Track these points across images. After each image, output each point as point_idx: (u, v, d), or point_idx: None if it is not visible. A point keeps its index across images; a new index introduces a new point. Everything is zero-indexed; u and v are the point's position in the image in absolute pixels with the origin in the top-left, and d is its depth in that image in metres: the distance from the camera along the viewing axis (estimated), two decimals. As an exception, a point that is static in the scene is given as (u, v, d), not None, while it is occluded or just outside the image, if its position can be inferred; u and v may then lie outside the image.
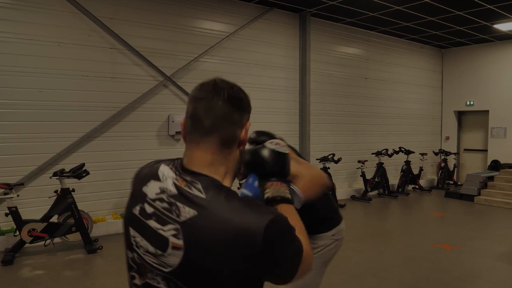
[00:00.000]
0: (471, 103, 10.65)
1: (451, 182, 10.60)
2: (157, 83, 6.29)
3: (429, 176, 10.92)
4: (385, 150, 9.16)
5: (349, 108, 9.08)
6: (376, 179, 9.01)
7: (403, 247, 5.42)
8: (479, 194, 8.62)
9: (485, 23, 8.35)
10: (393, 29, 9.09)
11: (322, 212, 2.26)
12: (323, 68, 8.57)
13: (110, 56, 5.89)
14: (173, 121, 6.38)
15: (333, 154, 8.17)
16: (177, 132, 6.40)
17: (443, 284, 3.98)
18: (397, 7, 7.44)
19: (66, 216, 5.06)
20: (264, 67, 7.62)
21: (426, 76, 10.89)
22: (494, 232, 6.48)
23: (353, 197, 8.89)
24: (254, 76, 7.47)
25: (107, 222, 5.83)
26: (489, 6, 7.24)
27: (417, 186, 9.89)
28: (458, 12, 7.67)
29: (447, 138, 11.19)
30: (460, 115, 11.21)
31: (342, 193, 8.64)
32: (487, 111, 10.38)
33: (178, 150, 6.55)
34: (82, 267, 4.57)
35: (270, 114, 7.68)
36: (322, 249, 2.24)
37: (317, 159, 8.11)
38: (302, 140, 8.19)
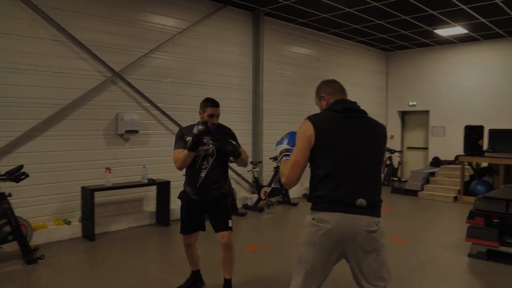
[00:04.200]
0: (414, 103, 11.16)
1: (396, 179, 11.04)
2: (104, 79, 5.93)
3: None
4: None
5: (301, 108, 9.13)
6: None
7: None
8: (422, 189, 9.05)
9: (427, 28, 8.75)
10: (342, 31, 9.27)
11: (311, 187, 2.30)
12: (276, 67, 8.57)
13: (53, 49, 5.46)
14: (122, 120, 6.05)
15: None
16: (127, 131, 6.08)
17: (398, 276, 4.07)
18: (348, 10, 7.58)
19: (2, 224, 4.59)
20: (217, 65, 7.46)
21: (373, 77, 11.26)
22: (439, 224, 6.80)
23: (305, 195, 8.97)
24: (207, 74, 7.30)
25: (49, 229, 5.37)
26: (432, 12, 7.57)
27: (396, 179, 10.27)
28: (404, 17, 7.96)
29: (392, 137, 11.63)
30: (403, 115, 11.70)
31: (294, 191, 8.67)
32: (428, 111, 10.93)
33: (127, 150, 6.24)
34: (21, 280, 4.17)
35: (223, 113, 7.45)
36: (305, 225, 2.29)
37: (270, 158, 8.10)
38: (255, 139, 8.13)
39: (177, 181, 6.68)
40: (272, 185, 7.69)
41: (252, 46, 8.07)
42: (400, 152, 11.35)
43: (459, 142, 9.41)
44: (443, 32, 9.04)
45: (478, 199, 4.84)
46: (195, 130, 3.19)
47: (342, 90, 2.44)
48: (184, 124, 6.89)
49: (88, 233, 5.48)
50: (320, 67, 9.59)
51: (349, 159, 2.18)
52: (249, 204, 7.71)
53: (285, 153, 2.43)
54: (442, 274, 4.41)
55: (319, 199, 2.22)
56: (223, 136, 3.46)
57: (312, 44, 9.37)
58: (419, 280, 4.22)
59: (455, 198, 8.53)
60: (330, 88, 2.44)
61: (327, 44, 9.73)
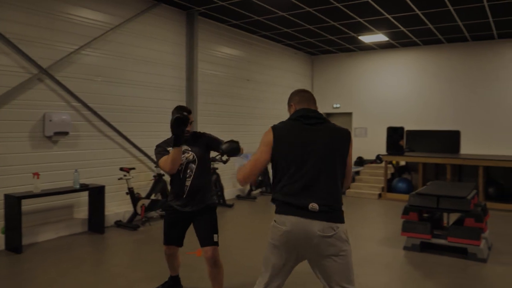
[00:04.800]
0: (338, 106, 11.76)
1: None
2: (30, 76, 5.41)
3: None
4: (267, 150, 9.50)
5: (233, 109, 9.18)
6: (259, 178, 9.30)
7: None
8: (349, 188, 9.55)
9: (353, 34, 9.27)
10: (273, 33, 9.47)
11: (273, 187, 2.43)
12: (210, 68, 8.49)
13: (-32, 41, 4.86)
14: (50, 120, 5.56)
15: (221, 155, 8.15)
16: (56, 133, 5.61)
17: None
18: (282, 13, 7.76)
19: None
20: (151, 64, 7.19)
21: (299, 80, 11.64)
22: (370, 220, 7.23)
23: (238, 197, 9.01)
24: (140, 73, 7.00)
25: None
26: (360, 20, 8.04)
27: None
28: (333, 23, 8.35)
29: (317, 137, 12.12)
30: (328, 116, 12.26)
31: (228, 193, 8.68)
32: (351, 113, 11.58)
33: (56, 153, 5.76)
34: None
35: (157, 114, 7.30)
36: (270, 228, 2.38)
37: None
38: (190, 140, 7.97)
39: (112, 185, 6.39)
40: (152, 197, 6.77)
41: (185, 45, 7.91)
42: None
43: (381, 142, 10.13)
44: (366, 38, 9.64)
45: (411, 195, 5.24)
46: (171, 120, 3.03)
47: (309, 99, 2.54)
48: (118, 126, 6.57)
49: (14, 245, 4.96)
50: (250, 68, 9.69)
51: (303, 164, 2.27)
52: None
53: (240, 162, 2.66)
54: (381, 267, 4.70)
55: (277, 202, 2.34)
56: (202, 143, 3.42)
57: (244, 46, 9.45)
58: (362, 274, 4.45)
59: (380, 195, 9.15)
60: (299, 97, 2.55)
61: (257, 46, 9.87)
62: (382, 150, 9.82)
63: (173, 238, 3.53)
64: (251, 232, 6.30)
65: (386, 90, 10.89)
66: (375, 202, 8.70)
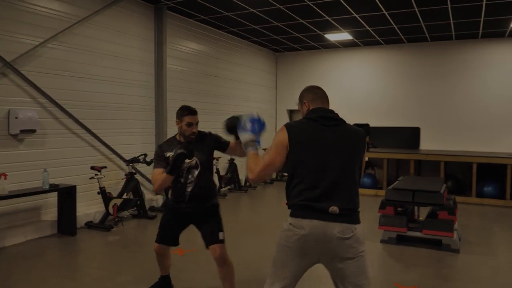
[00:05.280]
0: (302, 103, 11.91)
1: (285, 174, 11.63)
2: (-7, 70, 5.05)
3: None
4: (236, 147, 9.48)
5: (202, 106, 9.03)
6: (228, 175, 9.25)
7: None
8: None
9: (319, 32, 9.42)
10: (240, 30, 9.42)
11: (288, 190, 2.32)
12: (179, 64, 8.32)
13: None
14: (16, 117, 5.21)
15: (192, 152, 8.04)
16: (22, 131, 5.26)
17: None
18: (252, 10, 7.72)
19: None
20: (119, 59, 6.92)
21: (264, 76, 11.68)
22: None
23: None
24: (108, 68, 6.72)
25: None
26: (328, 18, 8.18)
27: None
28: (301, 20, 8.44)
29: (282, 134, 12.24)
30: (291, 113, 12.41)
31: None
32: (315, 110, 11.77)
33: (23, 152, 5.41)
34: None
35: (125, 111, 7.06)
36: (282, 230, 2.31)
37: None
38: (159, 138, 7.76)
39: (84, 185, 6.10)
40: (124, 196, 6.47)
41: (154, 40, 7.68)
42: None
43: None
44: (332, 37, 9.83)
45: (388, 190, 5.41)
46: (174, 153, 3.01)
47: (323, 97, 2.48)
48: (87, 123, 6.28)
49: (-20, 253, 4.62)
50: (218, 65, 9.60)
51: (322, 166, 2.21)
52: (155, 206, 7.38)
53: (252, 145, 2.46)
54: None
55: (295, 205, 2.26)
56: (207, 146, 3.31)
57: (211, 42, 9.33)
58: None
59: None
60: (312, 94, 2.47)
61: (224, 42, 9.78)
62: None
63: (169, 238, 3.43)
64: (228, 230, 6.23)
65: (349, 87, 11.17)
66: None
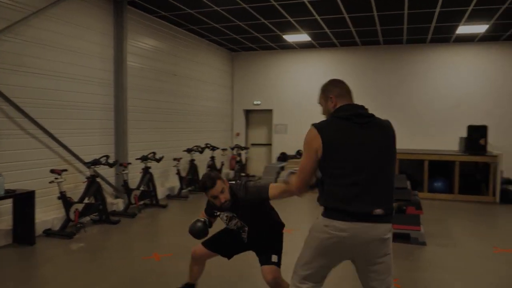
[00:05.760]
0: (258, 102, 11.95)
1: (244, 175, 11.63)
2: None
3: (224, 170, 11.69)
4: (196, 147, 9.31)
5: (163, 105, 8.80)
6: (189, 176, 9.06)
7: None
8: (275, 182, 9.78)
9: (279, 33, 9.49)
10: (200, 28, 9.26)
11: (322, 194, 2.27)
12: (139, 61, 8.01)
13: None
14: (-33, 117, 4.74)
15: (154, 153, 7.78)
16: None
17: (290, 264, 4.39)
18: (216, 8, 7.62)
19: None
20: (77, 55, 6.52)
21: (221, 76, 11.58)
22: (312, 212, 7.50)
23: (168, 196, 8.68)
24: (66, 64, 6.31)
25: None
26: (290, 19, 8.26)
27: None
28: (264, 20, 8.46)
29: (238, 134, 12.21)
30: (247, 113, 12.40)
31: (158, 193, 8.29)
32: (271, 110, 11.87)
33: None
34: None
35: (85, 110, 6.68)
36: (313, 229, 2.29)
37: (137, 159, 7.54)
38: (118, 138, 7.42)
39: (43, 189, 5.67)
40: (86, 200, 6.09)
41: (113, 36, 7.33)
42: (247, 149, 11.99)
43: (302, 138, 10.52)
44: (290, 38, 9.95)
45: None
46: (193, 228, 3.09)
47: (349, 92, 2.38)
48: (44, 123, 5.84)
49: None
50: (177, 62, 9.36)
51: (359, 166, 2.14)
52: (116, 210, 7.05)
53: (291, 171, 2.54)
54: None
55: (333, 207, 2.17)
56: (246, 206, 2.92)
57: (171, 39, 9.08)
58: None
59: (306, 188, 9.54)
60: (339, 89, 2.36)
61: (183, 40, 9.57)
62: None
63: (216, 244, 3.20)
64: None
65: (305, 88, 11.35)
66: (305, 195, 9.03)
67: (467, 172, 9.00)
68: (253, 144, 12.47)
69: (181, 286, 3.46)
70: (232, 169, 11.40)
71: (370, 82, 10.79)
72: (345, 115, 2.23)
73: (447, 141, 9.98)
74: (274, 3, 7.23)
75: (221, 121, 11.67)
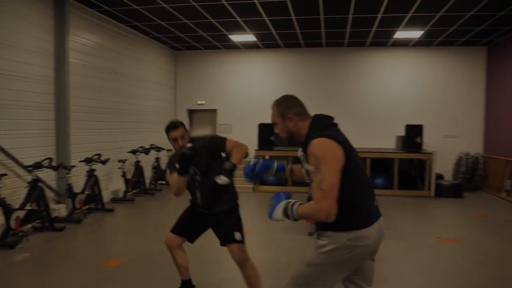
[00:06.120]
0: (202, 102, 11.81)
1: (164, 182, 11.30)
2: None
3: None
4: (141, 148, 8.99)
5: (107, 104, 8.39)
6: (135, 178, 8.73)
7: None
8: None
9: (225, 32, 9.45)
10: (144, 25, 8.95)
11: (343, 208, 2.01)
12: (82, 58, 7.57)
13: None
14: None
15: (99, 154, 7.38)
16: None
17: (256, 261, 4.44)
18: (164, 5, 7.41)
19: None
20: (14, 49, 6.01)
21: (164, 75, 11.28)
22: (263, 212, 7.52)
23: (113, 200, 8.28)
24: (2, 59, 5.80)
25: None
26: (238, 19, 8.26)
27: (164, 182, 10.17)
28: (211, 20, 8.37)
29: (181, 134, 11.96)
30: (191, 113, 12.21)
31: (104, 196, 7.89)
32: (215, 110, 11.79)
33: None
34: None
35: (20, 109, 6.17)
36: (330, 248, 2.10)
37: (81, 161, 7.12)
38: (60, 140, 6.96)
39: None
40: (27, 207, 5.58)
41: (53, 30, 6.85)
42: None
43: (247, 138, 10.50)
44: (236, 37, 9.95)
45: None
46: (180, 154, 2.99)
47: (305, 107, 2.34)
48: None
49: None
50: (120, 60, 8.97)
51: (362, 168, 2.21)
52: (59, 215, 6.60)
53: (293, 203, 2.10)
54: (285, 250, 4.99)
55: (353, 217, 2.09)
56: (203, 153, 3.04)
57: (113, 36, 8.67)
58: (275, 261, 4.68)
59: (254, 189, 9.60)
60: (298, 107, 2.29)
61: (126, 37, 9.19)
62: (250, 146, 10.28)
63: (185, 229, 3.34)
64: (152, 235, 5.90)
65: (250, 88, 11.44)
66: (252, 196, 9.08)
67: (404, 169, 9.60)
68: (197, 145, 12.27)
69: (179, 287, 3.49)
70: (176, 170, 11.09)
71: (313, 83, 11.11)
72: (332, 123, 2.28)
73: (384, 140, 10.56)
74: (225, 2, 7.20)
75: (164, 121, 11.29)
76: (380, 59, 10.81)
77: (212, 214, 3.21)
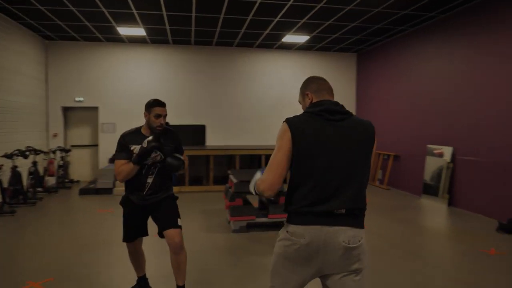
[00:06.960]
0: (81, 99, 10.77)
1: (67, 180, 10.34)
2: None
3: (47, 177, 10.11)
4: (17, 151, 7.80)
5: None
6: (14, 187, 7.55)
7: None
8: (114, 186, 9.09)
9: (114, 24, 8.79)
10: (16, 8, 7.77)
11: (287, 200, 2.07)
12: None
13: None
14: None
15: (-27, 160, 6.20)
16: None
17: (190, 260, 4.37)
18: (52, -12, 6.58)
19: None
20: None
21: (33, 67, 9.93)
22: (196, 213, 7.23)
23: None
24: None
25: None
26: (134, 11, 7.78)
27: (41, 189, 9.01)
28: (103, 9, 7.72)
29: (55, 135, 10.74)
30: (66, 111, 11.03)
31: None
32: (97, 108, 10.87)
33: None
34: None
35: None
36: (280, 237, 2.09)
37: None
38: None
39: None
40: None
41: None
42: (69, 150, 10.66)
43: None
44: (124, 30, 9.33)
45: (236, 184, 5.77)
46: (144, 144, 3.06)
47: (329, 89, 2.19)
48: None
49: None
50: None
51: (329, 168, 1.96)
52: None
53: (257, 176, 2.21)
54: (215, 250, 5.04)
55: (293, 210, 2.01)
56: (170, 143, 3.30)
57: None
58: (198, 256, 4.68)
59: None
60: (316, 85, 2.19)
61: (-6, 22, 7.86)
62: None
63: (136, 231, 3.41)
64: (51, 249, 5.22)
65: (136, 84, 10.87)
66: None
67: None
68: (74, 146, 11.16)
69: (136, 284, 3.53)
70: (51, 175, 9.90)
71: (202, 81, 11.11)
72: (316, 110, 2.06)
73: (270, 137, 11.16)
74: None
75: (38, 121, 10.05)
76: (267, 60, 11.38)
77: (156, 201, 3.29)
